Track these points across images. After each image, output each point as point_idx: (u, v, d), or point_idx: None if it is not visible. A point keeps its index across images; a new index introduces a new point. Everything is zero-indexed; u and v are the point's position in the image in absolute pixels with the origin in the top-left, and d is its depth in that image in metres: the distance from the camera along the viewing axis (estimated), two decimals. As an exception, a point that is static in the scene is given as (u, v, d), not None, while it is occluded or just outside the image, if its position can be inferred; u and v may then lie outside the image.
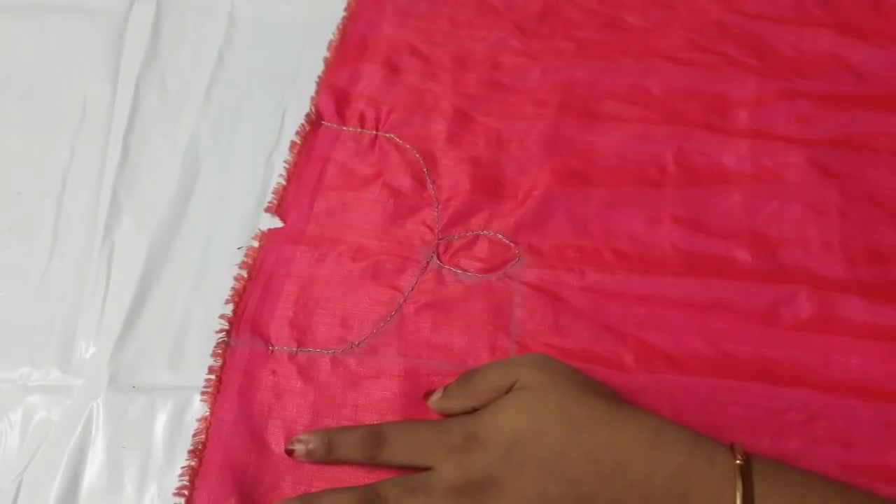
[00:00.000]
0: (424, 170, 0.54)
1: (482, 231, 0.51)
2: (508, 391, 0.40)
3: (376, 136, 0.56)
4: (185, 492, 0.44)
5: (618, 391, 0.43)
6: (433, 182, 0.54)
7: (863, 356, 0.46)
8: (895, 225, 0.50)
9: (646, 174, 0.53)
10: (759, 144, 0.53)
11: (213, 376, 0.47)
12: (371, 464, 0.42)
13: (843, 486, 0.37)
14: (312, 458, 0.43)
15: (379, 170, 0.54)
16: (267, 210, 0.53)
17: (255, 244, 0.52)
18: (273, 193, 0.54)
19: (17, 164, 0.57)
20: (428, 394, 0.44)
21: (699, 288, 0.48)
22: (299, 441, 0.43)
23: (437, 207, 0.52)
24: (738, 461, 0.36)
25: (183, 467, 0.45)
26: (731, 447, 0.37)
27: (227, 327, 0.49)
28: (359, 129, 0.56)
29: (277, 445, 0.45)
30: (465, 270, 0.50)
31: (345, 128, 0.56)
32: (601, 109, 0.56)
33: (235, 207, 0.54)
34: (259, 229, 0.53)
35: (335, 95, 0.57)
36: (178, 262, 0.52)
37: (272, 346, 0.48)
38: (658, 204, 0.52)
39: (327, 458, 0.43)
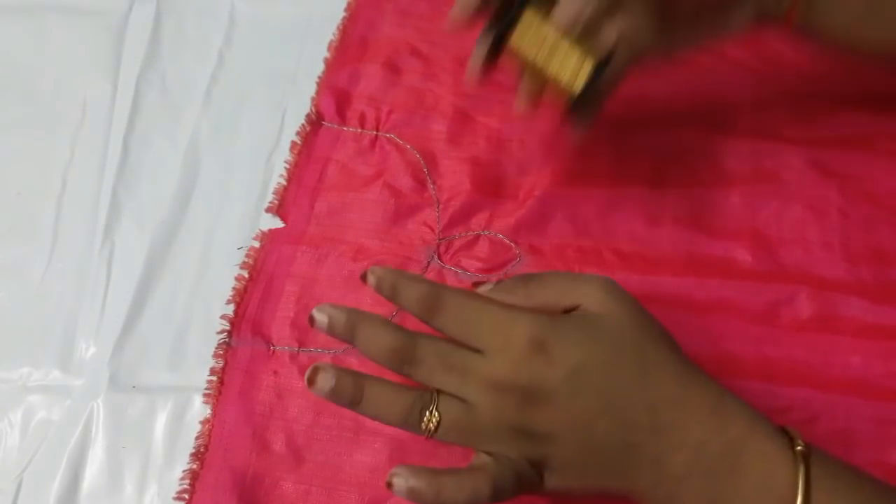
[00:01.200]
0: (425, 170, 0.54)
1: (483, 231, 0.51)
2: (571, 310, 0.38)
3: (377, 136, 0.56)
4: (186, 495, 0.44)
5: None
6: (434, 182, 0.54)
7: (864, 355, 0.46)
8: (895, 225, 0.50)
9: (646, 174, 0.53)
10: (759, 145, 0.54)
11: (214, 377, 0.47)
12: (423, 322, 0.38)
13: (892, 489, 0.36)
14: (380, 291, 0.38)
15: (379, 170, 0.54)
16: (268, 210, 0.53)
17: (256, 244, 0.52)
18: (273, 193, 0.54)
19: (17, 165, 0.57)
20: (475, 284, 0.42)
21: (700, 288, 0.48)
22: (372, 272, 0.39)
23: (437, 207, 0.52)
24: (798, 447, 0.34)
25: (184, 470, 0.45)
26: (786, 431, 0.36)
27: (228, 328, 0.49)
28: (359, 130, 0.56)
29: (278, 446, 0.45)
30: (466, 270, 0.50)
31: (345, 128, 0.56)
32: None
33: (235, 207, 0.54)
34: (259, 229, 0.53)
35: (335, 95, 0.57)
36: (178, 263, 0.52)
37: (273, 346, 0.48)
38: (658, 204, 0.52)
39: (391, 296, 0.38)
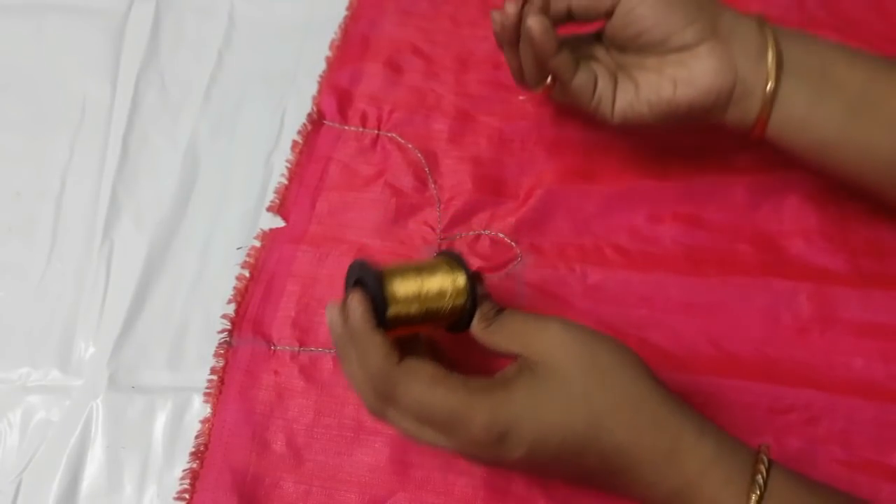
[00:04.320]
0: (426, 169, 0.54)
1: (484, 231, 0.51)
2: (525, 359, 0.39)
3: (378, 135, 0.56)
4: (186, 495, 0.44)
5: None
6: (435, 181, 0.54)
7: (865, 357, 0.46)
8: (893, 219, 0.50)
9: (647, 171, 0.53)
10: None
11: (215, 377, 0.47)
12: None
13: None
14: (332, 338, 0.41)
15: (381, 169, 0.54)
16: (269, 209, 0.53)
17: (257, 244, 0.52)
18: (275, 193, 0.54)
19: (16, 165, 0.57)
20: (477, 273, 0.42)
21: (700, 288, 0.48)
22: (328, 310, 0.40)
23: (438, 207, 0.52)
24: (754, 495, 0.35)
25: (184, 470, 0.45)
26: (754, 471, 0.36)
27: (229, 327, 0.49)
28: (360, 129, 0.56)
29: (279, 445, 0.45)
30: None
31: (346, 127, 0.56)
32: None
33: (235, 207, 0.54)
34: (260, 229, 0.52)
35: (337, 95, 0.57)
36: (177, 262, 0.52)
37: (274, 345, 0.48)
38: (659, 199, 0.51)
39: (339, 357, 0.40)
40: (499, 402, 0.37)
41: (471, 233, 0.51)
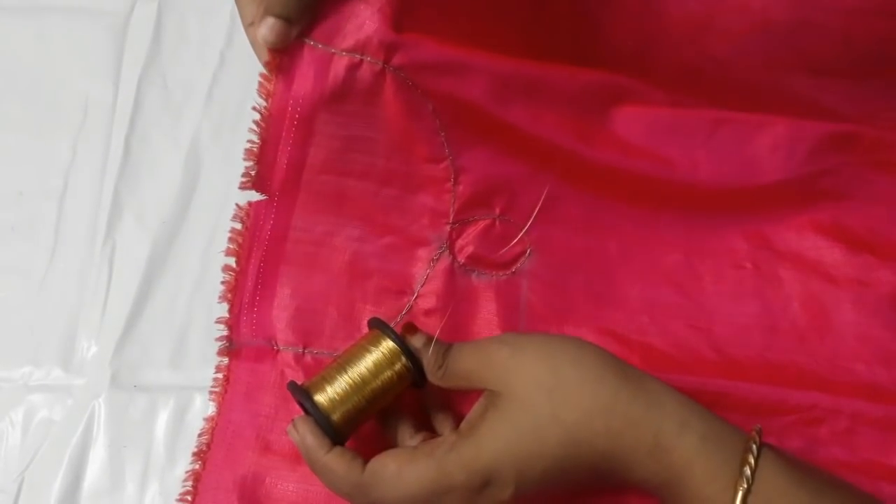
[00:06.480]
0: (443, 136, 0.46)
1: (496, 215, 0.49)
2: (488, 393, 0.39)
3: (384, 68, 0.42)
4: (189, 497, 0.44)
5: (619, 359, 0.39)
6: (451, 155, 0.47)
7: (867, 363, 0.46)
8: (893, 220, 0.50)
9: (649, 168, 0.52)
10: (755, 135, 0.53)
11: (220, 375, 0.46)
12: None
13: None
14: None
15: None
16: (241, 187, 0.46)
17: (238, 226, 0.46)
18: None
19: (18, 164, 0.57)
20: (407, 327, 0.42)
21: (701, 294, 0.48)
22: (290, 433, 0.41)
23: (453, 200, 0.48)
24: (742, 487, 0.34)
25: (187, 471, 0.45)
26: (742, 462, 0.35)
27: (226, 332, 0.48)
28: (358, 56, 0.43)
29: (281, 446, 0.45)
30: (474, 269, 0.48)
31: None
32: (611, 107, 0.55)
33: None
34: (236, 204, 0.47)
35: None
36: (179, 262, 0.52)
37: (279, 346, 0.47)
38: (659, 198, 0.51)
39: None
40: (469, 455, 0.37)
41: (478, 218, 0.48)
